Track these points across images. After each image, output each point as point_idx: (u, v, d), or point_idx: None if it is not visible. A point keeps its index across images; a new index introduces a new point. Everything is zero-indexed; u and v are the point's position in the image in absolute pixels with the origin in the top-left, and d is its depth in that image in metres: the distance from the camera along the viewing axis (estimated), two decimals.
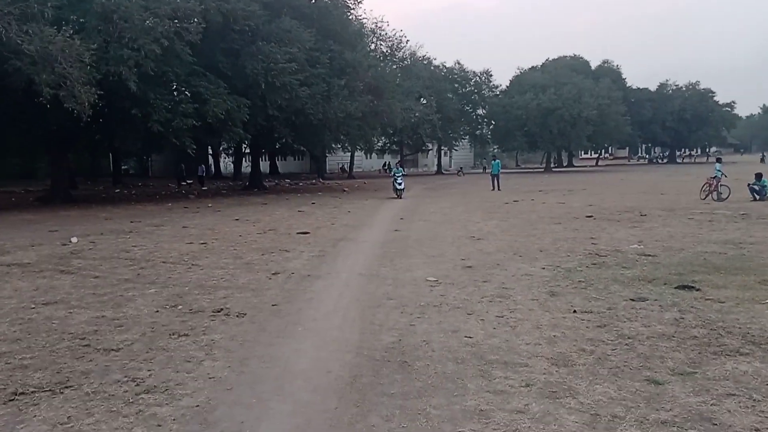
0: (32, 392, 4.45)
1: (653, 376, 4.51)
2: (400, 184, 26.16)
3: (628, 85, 72.75)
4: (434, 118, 51.06)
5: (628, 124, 61.92)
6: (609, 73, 67.92)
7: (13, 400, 4.32)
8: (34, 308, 7.02)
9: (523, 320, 6.15)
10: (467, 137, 64.60)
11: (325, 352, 5.34)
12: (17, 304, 7.26)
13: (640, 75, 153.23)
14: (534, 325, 5.94)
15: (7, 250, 11.62)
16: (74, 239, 13.02)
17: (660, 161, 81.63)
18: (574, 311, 6.41)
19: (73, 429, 3.84)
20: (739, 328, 5.63)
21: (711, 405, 3.99)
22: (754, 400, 4.05)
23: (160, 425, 3.88)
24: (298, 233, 13.82)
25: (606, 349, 5.16)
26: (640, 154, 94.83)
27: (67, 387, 4.55)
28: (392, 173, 28.53)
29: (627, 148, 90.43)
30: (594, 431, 3.67)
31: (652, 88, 75.88)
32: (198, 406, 4.19)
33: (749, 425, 3.69)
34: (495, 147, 67.07)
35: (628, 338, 5.44)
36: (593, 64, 71.02)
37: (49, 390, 4.49)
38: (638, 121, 68.78)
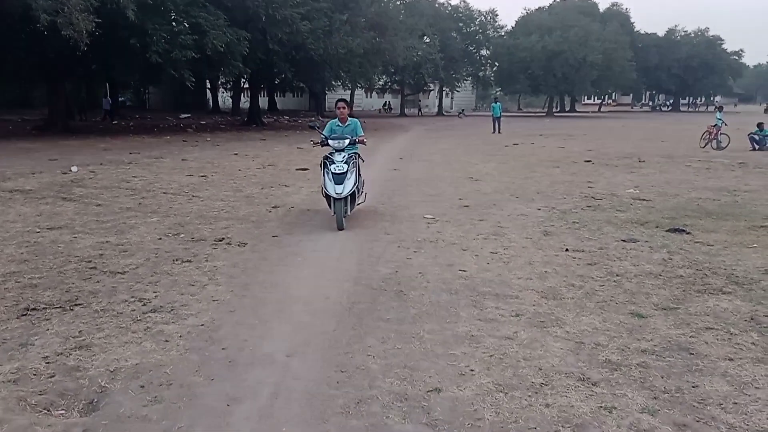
0: (43, 308, 4.65)
1: (637, 310, 4.71)
2: (339, 176, 7.72)
3: (636, 30, 71.40)
4: (437, 57, 50.32)
5: (633, 69, 61.09)
6: (617, 17, 66.64)
7: (25, 315, 4.51)
8: (39, 232, 7.17)
9: (516, 257, 6.33)
10: (470, 78, 63.74)
11: (324, 281, 5.53)
12: (22, 227, 7.41)
13: (650, 19, 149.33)
14: (526, 262, 6.13)
15: (8, 177, 11.70)
16: (74, 168, 13.09)
17: (664, 109, 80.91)
18: (567, 250, 6.59)
19: (85, 342, 4.04)
20: (724, 269, 5.82)
21: (690, 337, 4.20)
22: (731, 333, 4.26)
23: (167, 341, 4.09)
24: (297, 169, 13.90)
25: (594, 285, 5.36)
26: (643, 101, 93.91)
27: (76, 305, 4.74)
28: (321, 140, 8.82)
29: (631, 95, 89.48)
30: (577, 357, 3.89)
31: (661, 33, 74.53)
32: (203, 325, 4.39)
33: (724, 355, 3.90)
34: (497, 89, 66.28)
35: (617, 276, 5.63)
36: (602, 7, 69.75)
37: (60, 307, 4.69)
38: (644, 67, 67.87)
